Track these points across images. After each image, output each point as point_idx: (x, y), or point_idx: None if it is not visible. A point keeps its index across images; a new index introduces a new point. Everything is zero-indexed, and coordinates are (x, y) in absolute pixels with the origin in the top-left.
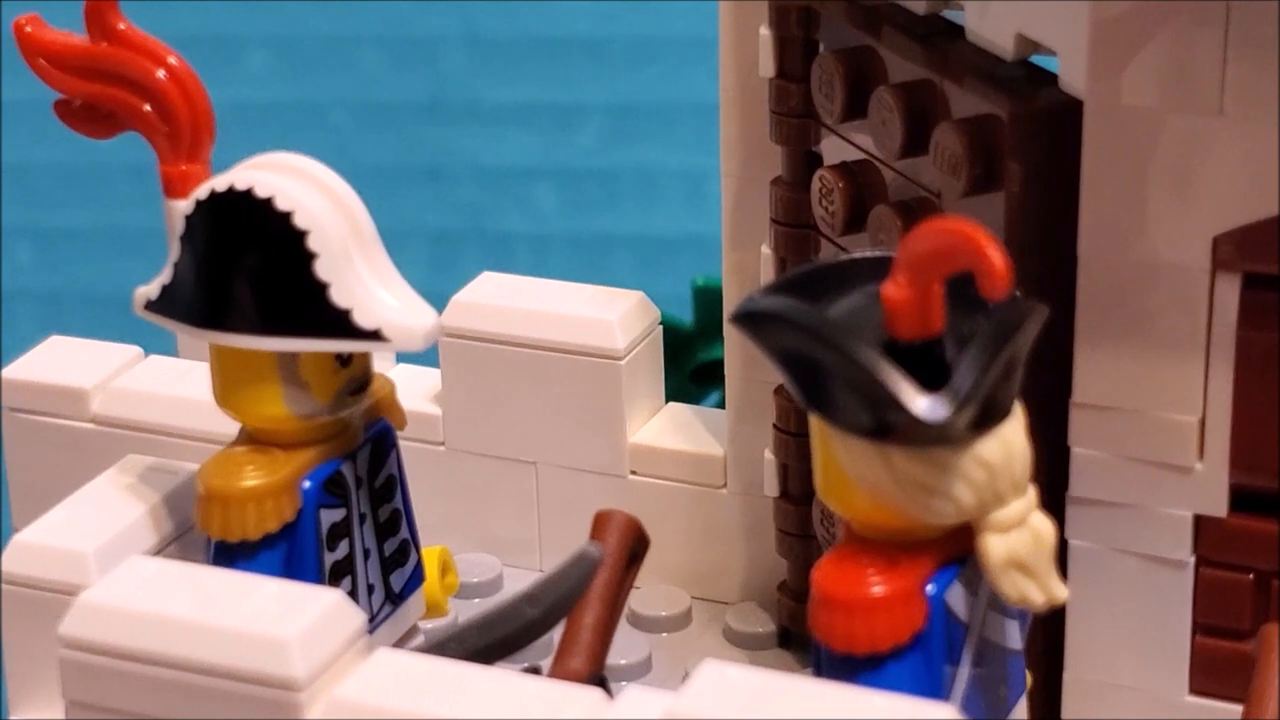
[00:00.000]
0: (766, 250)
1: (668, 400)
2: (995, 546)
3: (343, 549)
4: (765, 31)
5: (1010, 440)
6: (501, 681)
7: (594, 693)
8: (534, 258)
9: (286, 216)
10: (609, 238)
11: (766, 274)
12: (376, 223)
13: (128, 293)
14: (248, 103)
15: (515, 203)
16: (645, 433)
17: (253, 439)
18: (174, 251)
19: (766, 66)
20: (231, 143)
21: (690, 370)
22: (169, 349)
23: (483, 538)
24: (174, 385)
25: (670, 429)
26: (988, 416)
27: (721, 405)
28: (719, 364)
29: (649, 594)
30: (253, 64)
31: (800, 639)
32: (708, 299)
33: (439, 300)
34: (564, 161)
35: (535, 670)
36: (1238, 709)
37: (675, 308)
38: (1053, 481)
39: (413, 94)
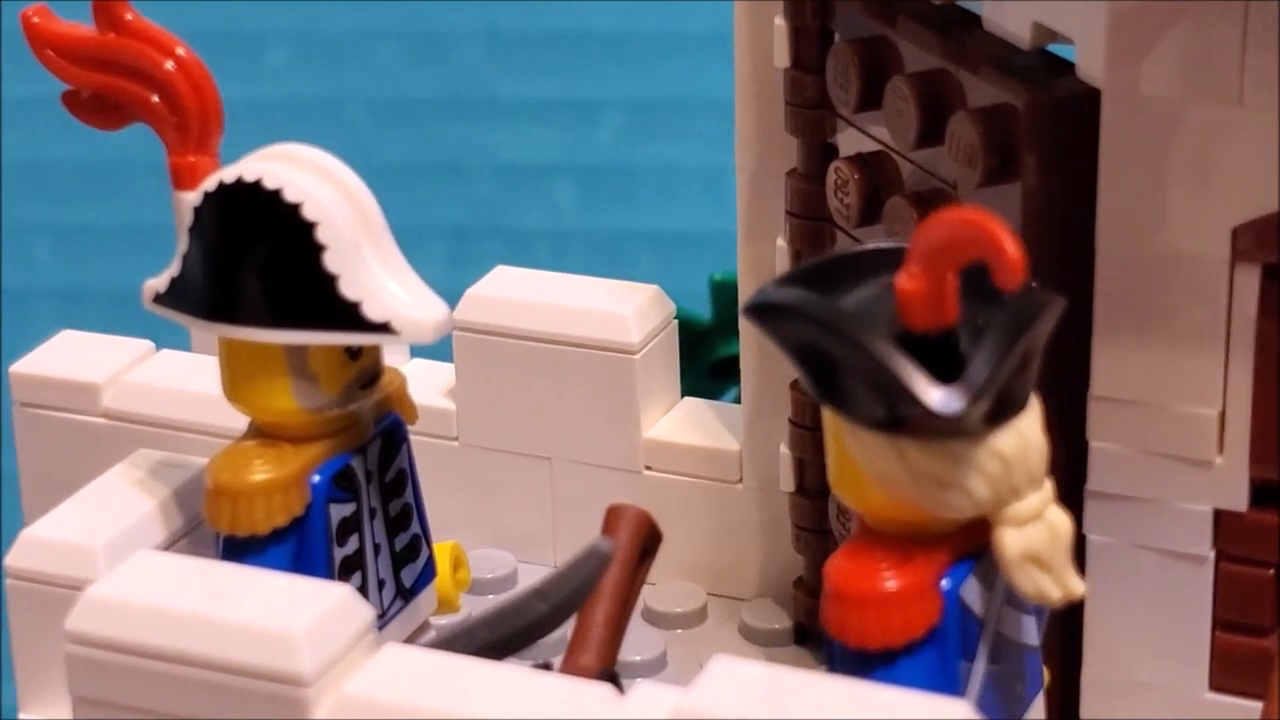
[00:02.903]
0: (781, 243)
1: (687, 396)
2: (1011, 541)
3: (353, 544)
4: (780, 22)
5: (1026, 433)
6: (511, 678)
7: (604, 688)
8: (553, 254)
9: (295, 208)
10: (628, 234)
11: (782, 267)
12: (395, 219)
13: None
14: (266, 99)
15: (534, 199)
16: (660, 427)
17: (262, 433)
18: (182, 244)
19: (781, 57)
20: (249, 139)
21: (709, 366)
22: (185, 344)
23: (497, 533)
24: (185, 380)
25: (686, 424)
26: (1003, 409)
27: (739, 401)
28: (737, 360)
29: (664, 590)
30: (271, 60)
31: (817, 635)
32: (725, 294)
33: (456, 298)
34: (583, 157)
35: (546, 666)
36: (1258, 706)
37: (694, 304)
38: (1070, 475)
39: (431, 90)
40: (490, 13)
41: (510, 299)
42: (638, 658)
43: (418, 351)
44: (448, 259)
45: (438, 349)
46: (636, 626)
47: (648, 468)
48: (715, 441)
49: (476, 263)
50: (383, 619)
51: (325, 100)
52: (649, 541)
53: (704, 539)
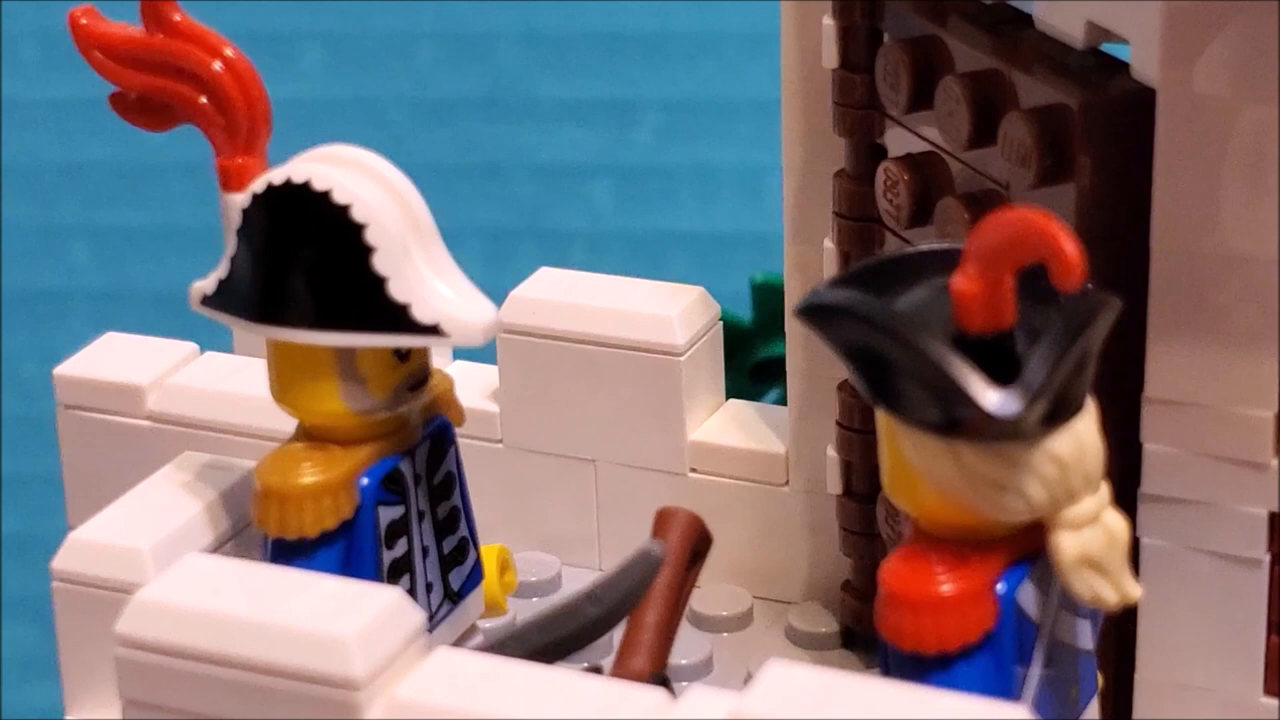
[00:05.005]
0: (829, 244)
1: (726, 399)
2: (1067, 544)
3: (401, 547)
4: (828, 21)
5: (1082, 436)
6: (562, 681)
7: (657, 692)
8: (591, 255)
9: (344, 209)
10: (666, 235)
11: (829, 268)
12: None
13: (184, 291)
14: (304, 100)
15: (572, 200)
16: (706, 430)
17: (310, 435)
18: (230, 245)
19: (830, 57)
20: (287, 140)
21: (749, 368)
22: (225, 346)
23: (541, 536)
24: (230, 382)
25: (731, 426)
26: (1060, 411)
27: (780, 403)
28: (778, 361)
29: (710, 593)
30: (309, 61)
31: (864, 639)
32: (767, 295)
33: (494, 299)
34: (621, 158)
35: (596, 670)
36: None
37: (733, 305)
38: (1124, 478)
39: (469, 91)
40: (528, 13)
41: (554, 301)
42: (684, 661)
43: (460, 353)
44: (485, 260)
45: (480, 351)
46: (682, 630)
47: (693, 470)
48: (761, 444)
49: (514, 264)
50: (431, 622)
51: (362, 101)
52: (699, 545)
53: (750, 542)
